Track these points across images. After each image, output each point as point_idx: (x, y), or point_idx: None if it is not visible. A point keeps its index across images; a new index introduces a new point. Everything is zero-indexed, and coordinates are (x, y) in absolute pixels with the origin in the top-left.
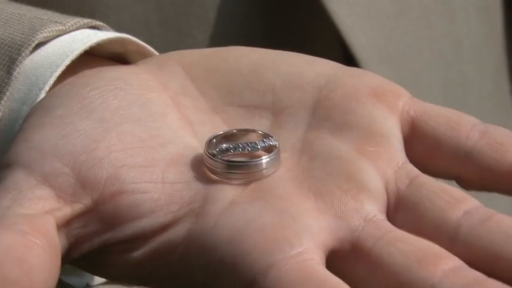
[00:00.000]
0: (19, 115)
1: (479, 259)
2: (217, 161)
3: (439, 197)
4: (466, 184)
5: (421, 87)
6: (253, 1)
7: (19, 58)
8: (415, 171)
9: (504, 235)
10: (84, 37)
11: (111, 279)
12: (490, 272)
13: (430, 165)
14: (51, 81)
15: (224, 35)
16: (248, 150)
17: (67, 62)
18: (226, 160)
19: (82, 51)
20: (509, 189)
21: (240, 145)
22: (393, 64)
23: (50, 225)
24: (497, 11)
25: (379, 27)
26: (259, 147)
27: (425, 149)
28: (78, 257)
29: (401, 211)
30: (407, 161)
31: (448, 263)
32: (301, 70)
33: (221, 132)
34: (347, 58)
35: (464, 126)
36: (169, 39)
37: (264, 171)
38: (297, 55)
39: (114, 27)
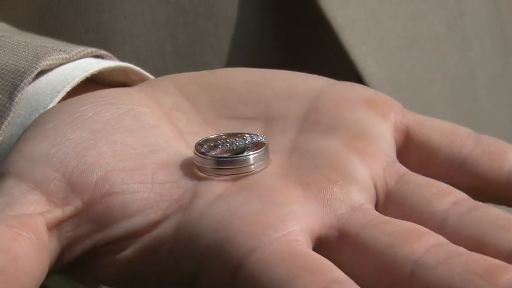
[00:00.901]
0: None
1: (467, 248)
2: (206, 158)
3: (427, 189)
4: None
5: (433, 117)
6: (267, 31)
7: (21, 84)
8: (404, 169)
9: (491, 224)
10: (87, 65)
11: (101, 283)
12: None
13: (425, 174)
14: (51, 106)
15: (238, 64)
16: (236, 145)
17: (68, 88)
18: (214, 156)
19: (83, 78)
20: (503, 198)
21: (228, 140)
22: (405, 93)
23: (39, 223)
24: None
25: (392, 57)
26: (246, 142)
27: (420, 158)
28: (70, 261)
29: (391, 205)
30: (397, 161)
31: (431, 239)
32: (293, 84)
33: (211, 136)
34: None
35: (459, 135)
36: (183, 67)
37: (252, 166)
38: (289, 72)
39: (128, 56)
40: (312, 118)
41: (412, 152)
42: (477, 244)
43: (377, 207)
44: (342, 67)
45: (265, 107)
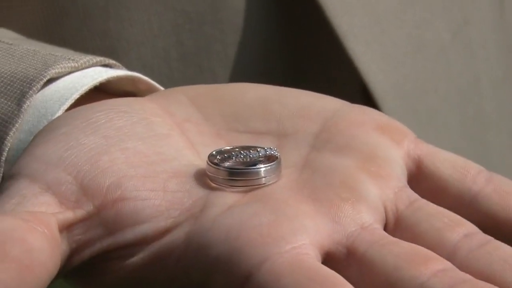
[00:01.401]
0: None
1: None
2: (218, 168)
3: (438, 218)
4: None
5: (438, 124)
6: (273, 38)
7: (30, 91)
8: (415, 195)
9: (502, 261)
10: (95, 73)
11: None
12: None
13: None
14: (59, 113)
15: (244, 71)
16: (249, 157)
17: (76, 95)
18: (227, 167)
19: (92, 86)
20: (510, 238)
21: (242, 152)
22: (410, 100)
23: (51, 220)
24: None
25: (396, 64)
26: (260, 154)
27: (430, 190)
28: (78, 265)
29: (400, 231)
30: (407, 186)
31: (438, 264)
32: (307, 104)
33: (225, 148)
34: (365, 94)
35: (471, 171)
36: (189, 74)
37: (263, 179)
38: (304, 91)
39: (134, 63)
40: (325, 136)
41: (423, 183)
42: (485, 280)
43: (386, 231)
44: (346, 75)
45: (277, 124)
